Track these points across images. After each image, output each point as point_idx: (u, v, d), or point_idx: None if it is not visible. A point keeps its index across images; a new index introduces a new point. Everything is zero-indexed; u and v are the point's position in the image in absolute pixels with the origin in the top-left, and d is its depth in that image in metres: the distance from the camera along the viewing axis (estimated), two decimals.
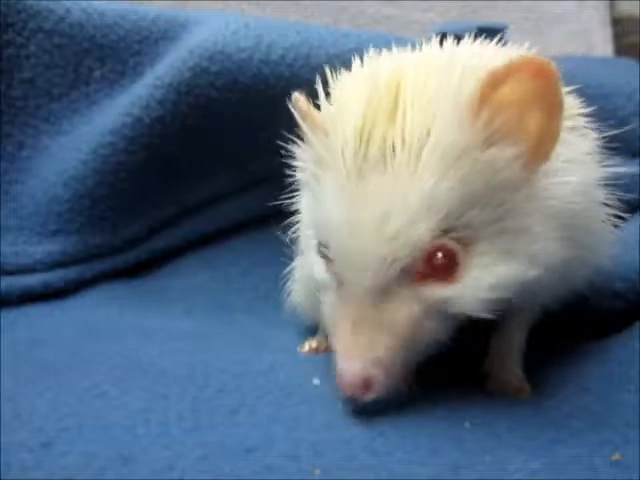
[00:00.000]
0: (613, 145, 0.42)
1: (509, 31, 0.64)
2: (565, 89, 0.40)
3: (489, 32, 0.52)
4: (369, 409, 0.36)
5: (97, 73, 0.74)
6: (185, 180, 0.75)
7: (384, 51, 0.42)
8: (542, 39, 1.08)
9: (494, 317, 0.35)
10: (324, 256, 0.38)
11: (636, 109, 0.69)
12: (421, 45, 0.42)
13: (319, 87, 0.39)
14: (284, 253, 0.53)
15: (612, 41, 1.15)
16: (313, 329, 0.56)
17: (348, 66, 0.41)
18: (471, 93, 0.33)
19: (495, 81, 0.33)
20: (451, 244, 0.34)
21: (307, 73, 0.69)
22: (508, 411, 0.38)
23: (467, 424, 0.36)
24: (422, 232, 0.33)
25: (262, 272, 0.74)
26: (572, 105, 0.41)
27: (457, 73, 0.34)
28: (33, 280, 0.68)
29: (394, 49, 0.42)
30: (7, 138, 0.72)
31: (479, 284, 0.35)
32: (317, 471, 0.31)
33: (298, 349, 0.54)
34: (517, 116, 0.34)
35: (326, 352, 0.54)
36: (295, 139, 0.43)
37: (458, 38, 0.42)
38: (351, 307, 0.35)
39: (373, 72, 0.37)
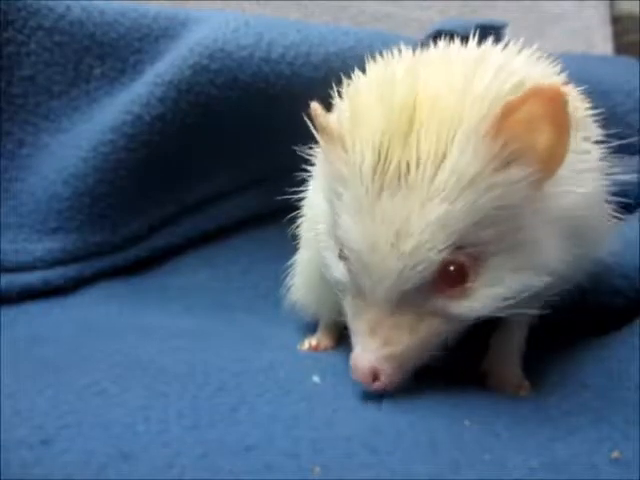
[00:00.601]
0: (613, 143, 0.42)
1: (509, 29, 0.64)
2: (573, 91, 0.41)
3: (488, 30, 0.52)
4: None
5: (97, 71, 0.74)
6: (185, 178, 0.75)
7: (397, 53, 0.42)
8: (542, 37, 1.08)
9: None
10: (344, 259, 0.39)
11: (635, 106, 0.69)
12: (425, 45, 0.43)
13: (334, 94, 0.42)
14: (284, 251, 0.53)
15: (612, 39, 1.15)
16: (313, 327, 0.57)
17: (348, 65, 0.41)
18: (486, 120, 0.35)
19: (510, 110, 0.34)
20: (463, 259, 0.36)
21: (307, 71, 0.69)
22: (507, 409, 0.38)
23: (467, 422, 0.36)
24: (436, 251, 0.35)
25: (262, 270, 0.74)
26: (579, 108, 0.42)
27: (473, 95, 0.35)
28: (33, 278, 0.68)
29: (406, 49, 0.42)
30: (7, 136, 0.72)
31: (489, 295, 0.37)
32: (317, 469, 0.30)
33: (298, 347, 0.54)
34: (528, 139, 0.35)
35: (326, 350, 0.54)
36: (295, 138, 0.43)
37: (455, 37, 0.42)
38: (369, 311, 0.38)
39: (389, 85, 0.37)
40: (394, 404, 0.38)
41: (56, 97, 0.73)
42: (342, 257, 0.39)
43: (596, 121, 0.43)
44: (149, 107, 0.69)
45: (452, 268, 0.36)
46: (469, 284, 0.37)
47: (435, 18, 1.03)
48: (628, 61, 0.85)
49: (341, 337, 0.55)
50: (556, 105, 0.34)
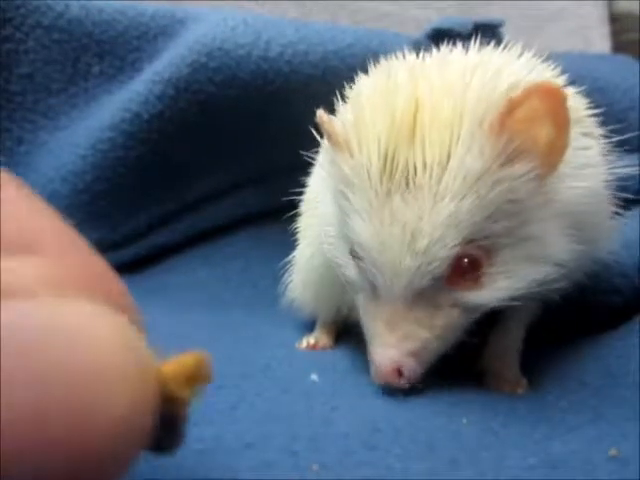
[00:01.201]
0: (612, 139, 0.42)
1: (506, 27, 0.64)
2: (572, 90, 0.41)
3: (486, 28, 0.52)
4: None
5: (96, 69, 0.74)
6: (184, 176, 0.75)
7: (399, 56, 0.43)
8: (540, 36, 1.08)
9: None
10: (356, 258, 0.39)
11: (632, 104, 0.69)
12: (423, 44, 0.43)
13: (337, 102, 0.42)
14: (282, 250, 0.53)
15: (610, 38, 1.15)
16: (311, 325, 0.57)
17: (346, 63, 0.41)
18: (488, 117, 0.35)
19: (512, 106, 0.35)
20: (475, 251, 0.37)
21: (305, 69, 0.69)
22: (505, 407, 0.38)
23: (464, 420, 0.36)
24: (449, 247, 0.36)
25: (260, 269, 0.74)
26: (579, 107, 0.42)
27: (473, 96, 0.36)
28: None
29: (408, 52, 0.43)
30: (5, 133, 0.72)
31: (501, 286, 0.38)
32: (315, 467, 0.31)
33: (296, 345, 0.54)
34: (531, 134, 0.36)
35: (324, 348, 0.54)
36: (293, 136, 0.43)
37: (455, 37, 0.43)
38: (386, 308, 0.38)
39: (391, 90, 0.38)
40: (392, 402, 0.38)
41: (54, 95, 0.73)
42: (354, 256, 0.40)
43: (594, 119, 0.43)
44: (147, 105, 0.69)
45: (466, 261, 0.37)
46: (482, 275, 0.37)
47: (433, 17, 1.03)
48: (626, 59, 0.85)
49: (339, 335, 0.56)
50: (556, 101, 0.35)
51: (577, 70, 0.45)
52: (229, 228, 0.78)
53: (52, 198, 0.70)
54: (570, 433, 0.34)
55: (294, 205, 0.52)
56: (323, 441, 0.33)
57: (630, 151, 0.48)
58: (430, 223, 0.36)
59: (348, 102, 0.42)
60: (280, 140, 0.71)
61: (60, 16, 0.72)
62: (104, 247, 0.72)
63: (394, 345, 0.38)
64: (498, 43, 0.43)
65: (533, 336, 0.44)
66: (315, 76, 0.69)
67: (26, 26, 0.71)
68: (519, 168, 0.36)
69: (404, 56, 0.42)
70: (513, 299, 0.38)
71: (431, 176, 0.35)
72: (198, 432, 0.33)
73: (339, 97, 0.42)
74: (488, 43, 0.43)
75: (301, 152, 0.46)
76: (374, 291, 0.39)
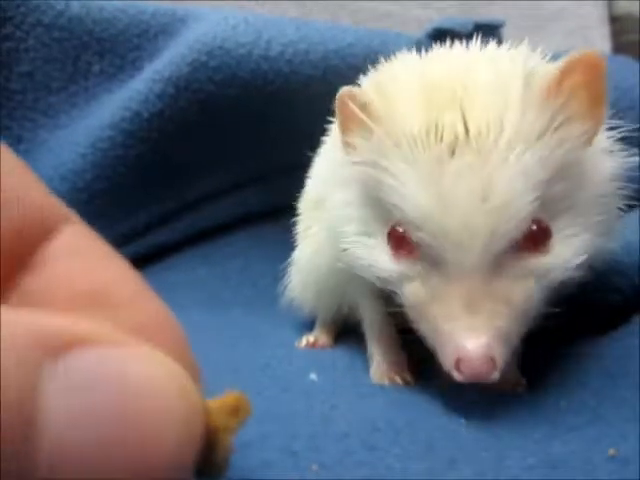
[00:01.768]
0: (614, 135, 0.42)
1: (506, 27, 0.64)
2: None
3: (486, 28, 0.52)
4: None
5: (96, 67, 0.74)
6: (184, 175, 0.75)
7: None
8: (540, 36, 1.08)
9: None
10: (399, 246, 0.37)
11: (632, 104, 0.69)
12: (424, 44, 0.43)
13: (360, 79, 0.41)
14: (282, 249, 0.53)
15: (610, 39, 1.15)
16: (310, 324, 0.57)
17: (347, 62, 0.41)
18: (545, 78, 0.36)
19: (569, 68, 0.36)
20: (542, 216, 0.35)
21: (306, 68, 0.69)
22: (504, 407, 0.38)
23: (463, 420, 0.36)
24: (524, 203, 0.34)
25: (260, 268, 0.74)
26: None
27: (515, 64, 0.37)
28: None
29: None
30: (5, 131, 0.71)
31: (567, 253, 0.36)
32: (314, 466, 0.30)
33: (296, 344, 0.54)
34: (582, 98, 0.36)
35: (323, 347, 0.54)
36: (294, 136, 0.43)
37: (456, 37, 0.42)
38: (460, 286, 0.34)
39: (425, 59, 0.40)
40: (392, 402, 0.38)
41: (54, 93, 0.73)
42: (399, 243, 0.37)
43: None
44: (147, 104, 0.69)
45: (535, 227, 0.35)
46: (549, 245, 0.36)
47: (434, 16, 1.03)
48: (626, 60, 0.85)
49: (339, 335, 0.56)
50: (600, 69, 0.36)
51: None
52: (229, 227, 0.78)
53: None
54: (570, 433, 0.34)
55: (294, 205, 0.52)
56: (322, 440, 0.33)
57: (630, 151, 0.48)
58: (501, 178, 0.33)
59: (374, 79, 0.41)
60: (280, 140, 0.72)
61: (60, 14, 0.72)
62: None
63: (482, 331, 0.33)
64: (498, 43, 0.43)
65: (532, 336, 0.44)
66: (316, 76, 0.69)
67: (26, 24, 0.71)
68: (571, 131, 0.36)
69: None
70: (578, 271, 0.36)
71: (488, 137, 0.34)
72: None
73: (361, 79, 0.42)
74: (489, 43, 0.43)
75: (301, 152, 0.46)
76: (440, 269, 0.35)
